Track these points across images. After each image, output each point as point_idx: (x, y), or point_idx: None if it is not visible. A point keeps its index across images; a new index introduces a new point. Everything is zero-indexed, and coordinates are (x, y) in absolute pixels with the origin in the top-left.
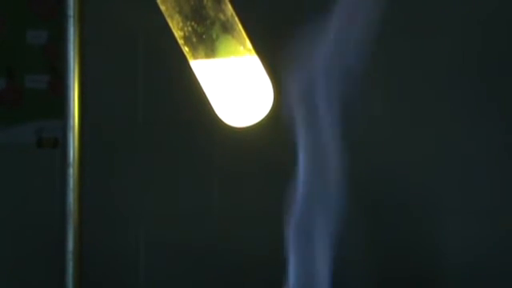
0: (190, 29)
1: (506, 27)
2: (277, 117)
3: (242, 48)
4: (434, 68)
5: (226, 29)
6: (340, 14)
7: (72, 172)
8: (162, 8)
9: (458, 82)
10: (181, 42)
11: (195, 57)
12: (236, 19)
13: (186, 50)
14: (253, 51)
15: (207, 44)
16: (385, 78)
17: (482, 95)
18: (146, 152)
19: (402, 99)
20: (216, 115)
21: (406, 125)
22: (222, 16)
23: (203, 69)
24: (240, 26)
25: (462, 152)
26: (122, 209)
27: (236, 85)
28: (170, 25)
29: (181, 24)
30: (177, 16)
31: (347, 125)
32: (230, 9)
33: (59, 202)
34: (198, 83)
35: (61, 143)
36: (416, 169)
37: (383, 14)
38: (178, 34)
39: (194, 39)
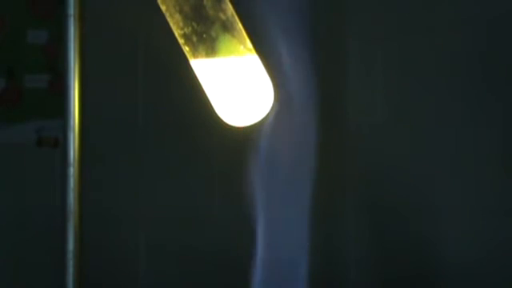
0: (190, 28)
1: (506, 27)
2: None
3: (242, 47)
4: (435, 69)
5: (227, 28)
6: None
7: (72, 172)
8: (163, 7)
9: (458, 83)
10: (181, 41)
11: (196, 56)
12: (236, 18)
13: (186, 49)
14: (253, 50)
15: (207, 43)
16: (385, 79)
17: (482, 96)
18: (147, 152)
19: (403, 100)
20: (217, 115)
21: (405, 125)
22: (222, 15)
23: (204, 68)
24: (240, 26)
25: (461, 152)
26: (123, 209)
27: (236, 84)
28: (171, 24)
29: (181, 23)
30: (177, 15)
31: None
32: (230, 8)
33: (59, 202)
34: (199, 83)
35: (61, 143)
36: (416, 169)
37: (383, 12)
38: (178, 34)
39: (195, 38)
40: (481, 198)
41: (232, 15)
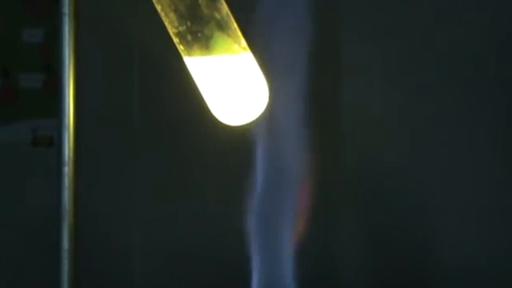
0: (185, 27)
1: (506, 27)
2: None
3: (236, 46)
4: (434, 68)
5: (221, 27)
6: None
7: (67, 171)
8: (158, 6)
9: (458, 83)
10: (176, 40)
11: (190, 55)
12: (231, 18)
13: (181, 48)
14: (248, 49)
15: (202, 42)
16: (384, 77)
17: (482, 95)
18: (142, 151)
19: (402, 99)
20: (212, 114)
21: (404, 125)
22: (217, 14)
23: (198, 67)
24: (235, 25)
25: (461, 152)
26: (117, 208)
27: (231, 83)
28: (165, 23)
29: (176, 22)
30: (172, 14)
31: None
32: (225, 7)
33: (54, 201)
34: (194, 82)
35: (56, 142)
36: (414, 169)
37: (382, 11)
38: (173, 32)
39: (189, 37)
40: (481, 199)
41: (227, 14)
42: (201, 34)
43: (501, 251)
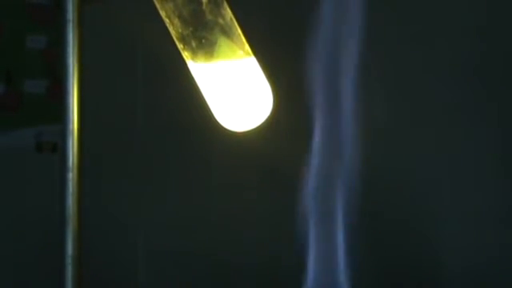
0: (189, 33)
1: (506, 29)
2: (277, 121)
3: (241, 52)
4: (434, 69)
5: (226, 33)
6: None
7: (71, 176)
8: (162, 13)
9: (459, 84)
10: (180, 46)
11: (194, 61)
12: (235, 23)
13: (185, 54)
14: (252, 55)
15: (206, 48)
16: (385, 78)
17: (483, 97)
18: (146, 157)
19: (403, 100)
20: (215, 120)
21: (406, 126)
22: (221, 20)
23: (202, 73)
24: (239, 30)
25: (463, 155)
26: (122, 213)
27: (235, 89)
28: (170, 29)
29: (180, 28)
30: (176, 20)
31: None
32: (229, 13)
33: (58, 207)
34: (198, 88)
35: (60, 148)
36: (417, 171)
37: (384, 14)
38: (177, 39)
39: (194, 43)
40: (483, 201)
41: (231, 19)
42: (205, 39)
43: (504, 254)
